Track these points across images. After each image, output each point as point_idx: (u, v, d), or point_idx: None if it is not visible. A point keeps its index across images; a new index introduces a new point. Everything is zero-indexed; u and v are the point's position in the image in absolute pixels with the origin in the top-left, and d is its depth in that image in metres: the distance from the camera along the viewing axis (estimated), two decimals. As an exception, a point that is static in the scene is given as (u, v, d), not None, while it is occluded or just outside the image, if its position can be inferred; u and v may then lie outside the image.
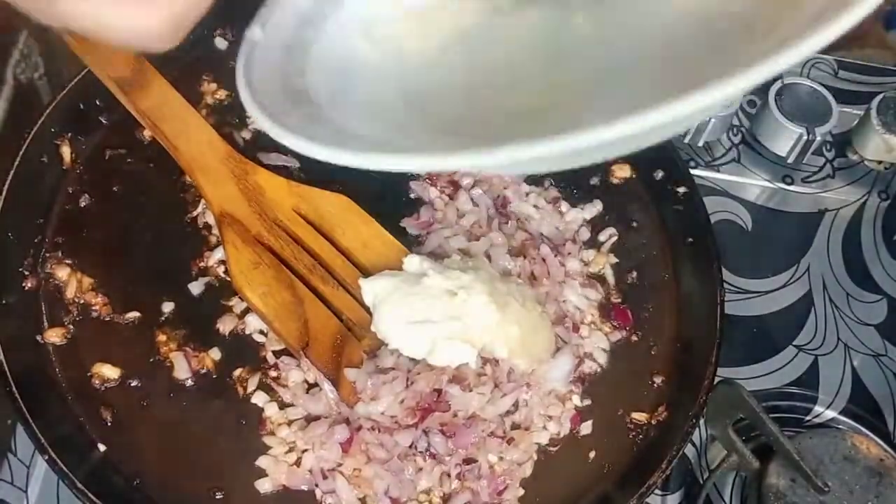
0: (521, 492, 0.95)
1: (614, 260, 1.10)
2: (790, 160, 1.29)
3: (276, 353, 0.98)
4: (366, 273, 0.98)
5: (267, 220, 0.99)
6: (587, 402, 1.00)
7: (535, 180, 1.13)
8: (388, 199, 1.08)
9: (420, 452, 0.93)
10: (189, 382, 0.96)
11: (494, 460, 0.95)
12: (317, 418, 0.95)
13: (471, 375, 0.96)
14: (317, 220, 1.01)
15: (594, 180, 1.15)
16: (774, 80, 1.29)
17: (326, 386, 0.95)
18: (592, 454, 0.98)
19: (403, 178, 1.10)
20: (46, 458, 0.87)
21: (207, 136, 1.03)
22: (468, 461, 0.94)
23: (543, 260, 1.06)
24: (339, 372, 0.95)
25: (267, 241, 0.98)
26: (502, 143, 0.50)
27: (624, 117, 0.49)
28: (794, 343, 1.18)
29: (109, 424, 0.93)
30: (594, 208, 1.13)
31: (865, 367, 1.18)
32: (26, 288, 0.98)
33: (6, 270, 0.98)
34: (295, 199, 1.02)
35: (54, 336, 0.97)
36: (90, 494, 0.86)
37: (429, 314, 0.91)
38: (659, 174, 1.14)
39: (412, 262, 0.96)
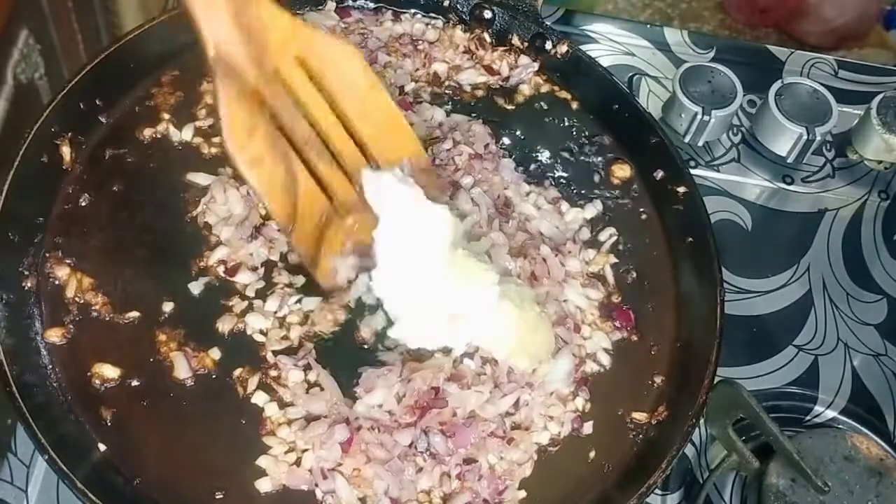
0: (522, 493, 0.95)
1: (614, 260, 1.10)
2: (790, 160, 1.29)
3: (276, 353, 0.98)
4: (363, 149, 0.89)
5: (266, 69, 0.84)
6: (588, 404, 1.00)
7: (535, 180, 1.13)
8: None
9: (420, 452, 0.93)
10: (189, 382, 0.96)
11: (495, 460, 0.95)
12: (317, 418, 0.95)
13: (469, 374, 0.96)
14: (319, 76, 0.87)
15: (595, 180, 1.15)
16: (775, 79, 1.29)
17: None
18: (592, 454, 0.98)
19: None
20: (46, 458, 0.87)
21: None
22: (468, 461, 0.94)
23: (544, 260, 1.06)
24: (318, 253, 0.89)
25: (263, 99, 0.84)
26: None
27: None
28: (794, 343, 1.18)
29: (109, 424, 0.93)
30: (594, 208, 1.13)
31: (865, 367, 1.18)
32: (26, 288, 0.98)
33: (6, 270, 0.98)
34: (300, 45, 0.86)
35: (54, 336, 0.97)
36: (90, 494, 0.86)
37: (437, 293, 0.88)
38: (659, 174, 1.14)
39: (443, 214, 0.88)
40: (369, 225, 0.88)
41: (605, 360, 1.03)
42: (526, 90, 1.21)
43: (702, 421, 1.02)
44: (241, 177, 0.87)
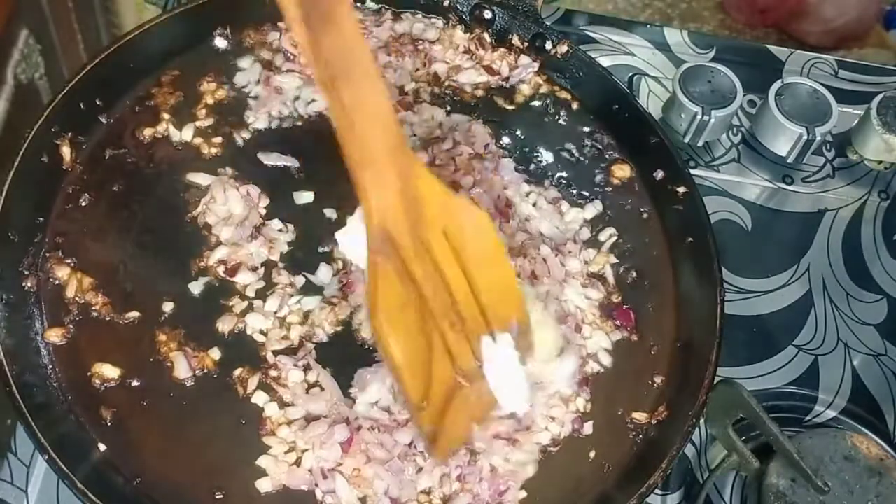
0: (523, 493, 0.95)
1: (614, 260, 1.10)
2: (790, 160, 1.29)
3: (276, 353, 0.98)
4: (482, 314, 0.85)
5: (418, 242, 0.80)
6: (589, 404, 1.00)
7: (535, 180, 1.13)
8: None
9: (420, 451, 0.93)
10: (189, 382, 0.96)
11: (499, 461, 0.95)
12: (317, 418, 0.95)
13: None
14: (459, 246, 0.83)
15: (595, 180, 1.15)
16: (775, 79, 1.29)
17: (421, 445, 0.90)
18: (593, 454, 0.98)
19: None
20: (46, 458, 0.87)
21: (384, 110, 0.76)
22: (469, 462, 0.94)
23: (544, 260, 1.06)
24: (441, 428, 0.85)
25: (413, 272, 0.80)
26: None
27: None
28: (794, 343, 1.18)
29: (109, 424, 0.93)
30: (594, 208, 1.13)
31: (865, 367, 1.18)
32: (26, 288, 0.98)
33: (6, 270, 0.98)
34: (448, 216, 0.82)
35: (54, 336, 0.97)
36: (90, 494, 0.86)
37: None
38: (659, 174, 1.14)
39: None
40: (483, 396, 0.87)
41: (606, 360, 1.03)
42: (526, 90, 1.21)
43: (702, 421, 1.02)
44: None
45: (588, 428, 0.99)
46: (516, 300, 0.87)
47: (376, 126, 0.75)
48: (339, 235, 0.86)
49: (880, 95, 1.30)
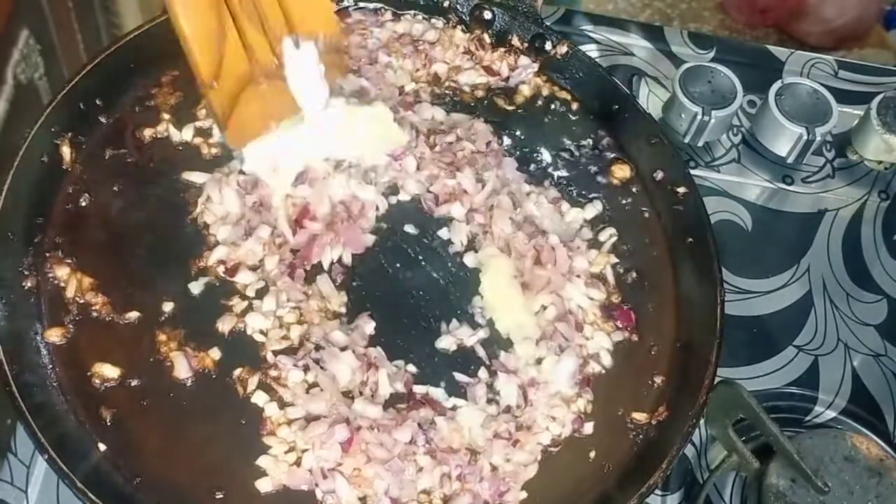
0: (524, 494, 0.95)
1: (614, 260, 1.10)
2: (790, 160, 1.29)
3: (276, 353, 0.98)
4: (285, 17, 0.91)
5: None
6: (590, 404, 1.00)
7: (535, 181, 1.13)
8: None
9: (422, 445, 0.93)
10: (189, 382, 0.96)
11: (500, 462, 0.95)
12: (317, 418, 0.95)
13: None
14: None
15: (595, 180, 1.15)
16: (775, 80, 1.29)
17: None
18: (593, 454, 0.98)
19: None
20: (46, 458, 0.87)
21: None
22: (469, 462, 0.94)
23: (553, 248, 1.06)
24: (230, 112, 0.92)
25: None
26: None
27: None
28: (794, 343, 1.18)
29: (109, 424, 0.93)
30: (594, 208, 1.13)
31: (865, 367, 1.18)
32: (26, 287, 0.98)
33: (6, 270, 0.98)
34: None
35: (54, 336, 0.97)
36: (90, 494, 0.86)
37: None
38: (659, 174, 1.14)
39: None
40: (279, 93, 0.93)
41: (607, 360, 1.03)
42: (526, 91, 1.21)
43: (702, 421, 1.01)
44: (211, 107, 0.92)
45: (588, 428, 0.99)
46: (325, 14, 0.94)
47: None
48: (246, 157, 0.98)
49: (880, 95, 1.29)
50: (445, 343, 1.01)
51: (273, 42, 0.92)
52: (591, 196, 1.14)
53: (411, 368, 0.99)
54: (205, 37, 0.88)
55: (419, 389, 0.98)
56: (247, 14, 0.90)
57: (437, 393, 0.98)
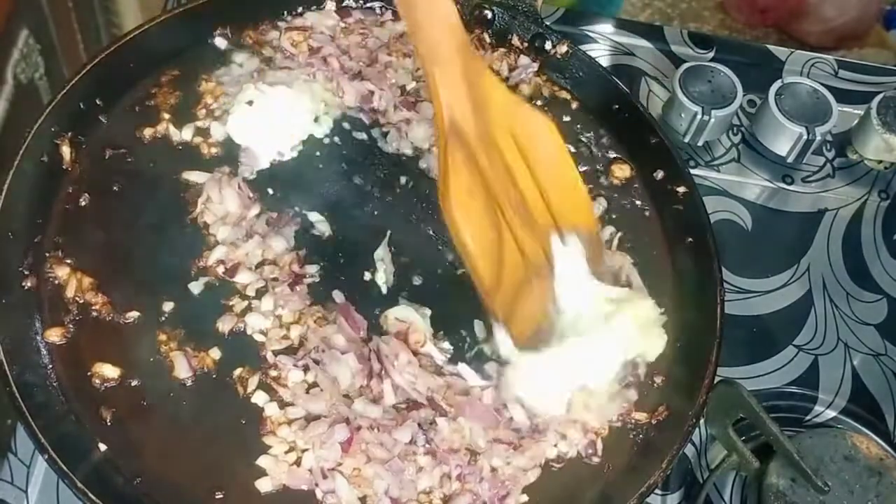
0: (524, 498, 0.95)
1: (630, 260, 1.10)
2: (790, 160, 1.29)
3: (276, 353, 0.98)
4: (550, 214, 0.92)
5: (485, 138, 0.88)
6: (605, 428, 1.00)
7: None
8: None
9: (422, 445, 0.93)
10: (189, 382, 0.96)
11: (499, 463, 0.95)
12: (317, 418, 0.95)
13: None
14: (525, 147, 0.91)
15: (595, 180, 1.15)
16: (775, 79, 1.29)
17: (500, 333, 0.92)
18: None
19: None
20: (46, 458, 0.87)
21: (449, 11, 0.87)
22: (469, 462, 0.94)
23: None
24: (513, 314, 0.92)
25: (481, 164, 0.88)
26: None
27: None
28: (794, 343, 1.18)
29: (109, 424, 0.93)
30: (597, 206, 1.13)
31: (865, 366, 1.18)
32: (26, 288, 0.98)
33: (6, 270, 0.98)
34: (512, 116, 0.90)
35: (54, 336, 0.97)
36: (90, 494, 0.86)
37: None
38: (659, 174, 1.14)
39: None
40: (546, 292, 0.93)
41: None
42: (526, 90, 1.20)
43: (702, 421, 1.01)
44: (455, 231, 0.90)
45: (599, 453, 0.98)
46: (584, 205, 0.94)
47: (443, 26, 0.85)
48: (230, 120, 0.99)
49: (880, 95, 1.29)
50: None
51: (543, 241, 0.92)
52: (591, 196, 1.14)
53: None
54: (485, 247, 0.89)
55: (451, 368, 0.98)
56: (519, 218, 0.90)
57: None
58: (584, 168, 1.16)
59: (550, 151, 0.93)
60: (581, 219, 0.94)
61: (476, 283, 0.91)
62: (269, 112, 1.07)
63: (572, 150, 1.17)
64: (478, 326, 1.01)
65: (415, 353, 0.98)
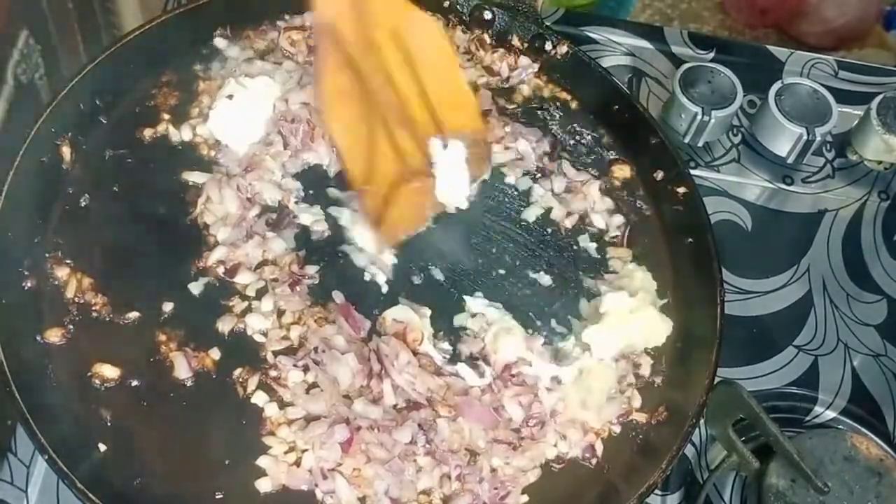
0: (525, 498, 0.95)
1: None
2: (790, 160, 1.29)
3: (276, 353, 0.98)
4: (433, 118, 0.94)
5: (364, 39, 0.89)
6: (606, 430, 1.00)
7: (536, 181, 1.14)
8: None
9: (423, 445, 0.93)
10: (189, 382, 0.96)
11: (498, 463, 0.95)
12: (317, 418, 0.95)
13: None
14: (407, 49, 0.92)
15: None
16: (775, 80, 1.29)
17: (364, 231, 0.94)
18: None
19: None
20: (46, 458, 0.87)
21: None
22: (469, 462, 0.94)
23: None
24: (384, 213, 0.94)
25: (358, 65, 0.89)
26: None
27: None
28: (794, 343, 1.18)
29: (109, 424, 0.93)
30: (616, 220, 1.13)
31: (865, 367, 1.18)
32: (26, 288, 0.98)
33: (6, 270, 0.98)
34: (395, 18, 0.91)
35: (54, 336, 0.97)
36: (90, 494, 0.86)
37: None
38: (659, 174, 1.14)
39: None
40: (427, 189, 0.94)
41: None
42: (526, 91, 1.21)
43: (702, 421, 1.02)
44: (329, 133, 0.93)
45: (599, 454, 0.98)
46: (470, 108, 0.94)
47: None
48: (211, 116, 1.00)
49: (880, 96, 1.30)
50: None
51: (422, 143, 0.94)
52: (612, 211, 1.14)
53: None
54: (357, 146, 0.91)
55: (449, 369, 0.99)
56: (397, 120, 0.92)
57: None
58: (585, 168, 1.16)
59: (436, 55, 0.93)
60: (467, 122, 0.94)
61: (347, 178, 0.94)
62: (249, 105, 1.07)
63: (574, 150, 1.17)
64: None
65: (414, 353, 0.98)
